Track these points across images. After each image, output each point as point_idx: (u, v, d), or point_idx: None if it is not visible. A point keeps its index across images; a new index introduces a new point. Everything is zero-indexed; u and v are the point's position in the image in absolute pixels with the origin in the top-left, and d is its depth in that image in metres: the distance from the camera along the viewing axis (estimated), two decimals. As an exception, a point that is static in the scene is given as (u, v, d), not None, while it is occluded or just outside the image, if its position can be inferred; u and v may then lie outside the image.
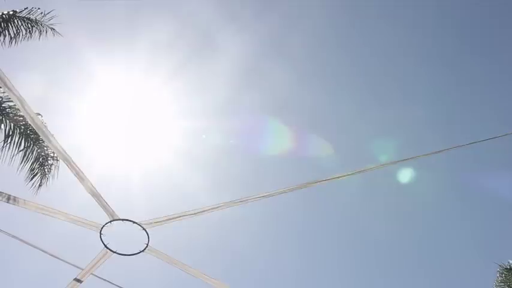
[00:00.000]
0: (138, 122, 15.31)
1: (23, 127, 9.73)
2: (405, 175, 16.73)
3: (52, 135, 5.66)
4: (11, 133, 9.68)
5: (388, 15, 18.32)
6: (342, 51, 18.71)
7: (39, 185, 10.18)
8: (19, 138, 9.77)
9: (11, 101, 9.25)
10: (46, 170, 10.20)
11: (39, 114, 9.73)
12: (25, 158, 9.86)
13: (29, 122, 7.69)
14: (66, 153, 5.31)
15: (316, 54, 17.91)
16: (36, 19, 10.69)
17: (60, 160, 9.97)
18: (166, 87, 15.93)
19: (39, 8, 10.65)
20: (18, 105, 5.18)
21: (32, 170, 10.02)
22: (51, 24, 10.84)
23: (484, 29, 18.69)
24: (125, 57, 15.61)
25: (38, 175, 10.13)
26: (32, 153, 9.89)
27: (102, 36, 15.39)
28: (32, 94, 9.78)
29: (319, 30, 17.53)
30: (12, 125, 9.70)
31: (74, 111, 14.04)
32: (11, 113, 9.62)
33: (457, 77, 19.41)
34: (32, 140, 9.84)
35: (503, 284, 12.31)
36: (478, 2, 18.30)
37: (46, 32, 10.81)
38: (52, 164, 10.24)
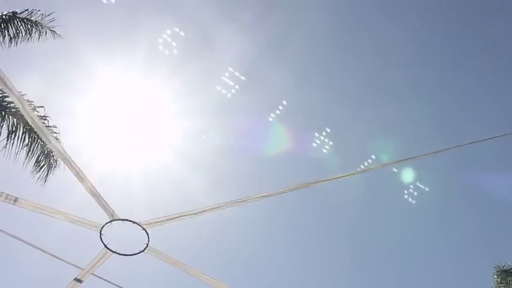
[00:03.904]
0: (138, 122, 15.31)
1: (26, 122, 9.72)
2: (405, 175, 16.73)
3: (52, 135, 5.66)
4: (14, 129, 9.70)
5: (387, 15, 18.33)
6: (341, 51, 18.73)
7: (46, 176, 10.22)
8: (23, 133, 9.79)
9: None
10: (52, 161, 10.24)
11: (47, 117, 9.77)
12: (30, 153, 9.90)
13: (31, 123, 7.71)
14: (66, 153, 5.31)
15: (315, 54, 17.92)
16: (36, 21, 10.71)
17: (60, 160, 10.02)
18: (166, 88, 15.94)
19: (39, 10, 10.69)
20: (19, 106, 5.18)
21: (38, 162, 10.06)
22: (52, 27, 10.87)
23: (484, 28, 18.70)
24: (124, 57, 15.62)
25: (44, 167, 10.17)
26: (37, 147, 9.92)
27: (101, 36, 15.40)
28: (32, 94, 9.81)
29: (319, 30, 17.55)
30: (15, 120, 9.72)
31: (74, 111, 14.05)
32: (14, 108, 9.61)
33: (457, 77, 19.43)
34: (35, 134, 9.86)
35: (502, 285, 12.32)
36: (478, 1, 18.33)
37: (46, 33, 10.83)
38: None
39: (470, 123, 18.92)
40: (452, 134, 18.30)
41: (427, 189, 16.77)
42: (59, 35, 10.99)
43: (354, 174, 5.60)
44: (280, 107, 17.02)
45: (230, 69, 15.99)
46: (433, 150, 5.70)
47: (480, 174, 18.07)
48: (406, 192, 17.94)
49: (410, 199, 17.29)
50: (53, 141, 6.75)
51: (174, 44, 15.19)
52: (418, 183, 16.92)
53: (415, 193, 17.47)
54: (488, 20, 18.61)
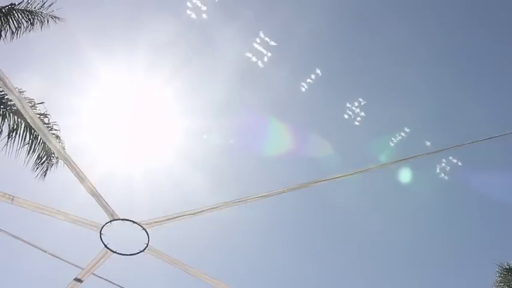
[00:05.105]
0: (139, 122, 15.32)
1: (27, 120, 9.69)
2: (403, 175, 16.72)
3: (52, 135, 5.66)
4: (15, 127, 9.68)
5: (388, 14, 18.32)
6: (342, 50, 18.71)
7: (46, 171, 10.22)
8: (24, 131, 9.77)
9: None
10: (53, 158, 10.24)
11: (47, 115, 9.73)
12: (31, 151, 9.88)
13: (31, 124, 7.69)
14: (65, 152, 5.30)
15: (316, 53, 17.91)
16: (35, 9, 10.57)
17: (60, 160, 10.03)
18: (168, 87, 15.94)
19: None
20: (18, 106, 5.17)
21: (39, 158, 10.05)
22: (51, 12, 10.69)
23: (486, 29, 18.68)
24: (126, 57, 15.62)
25: (44, 163, 10.16)
26: (39, 144, 9.91)
27: (103, 36, 15.40)
28: (34, 92, 9.80)
29: (319, 29, 17.55)
30: (16, 118, 9.69)
31: (75, 111, 14.05)
32: (15, 106, 9.57)
33: (458, 77, 19.41)
34: (37, 132, 9.83)
35: (502, 284, 12.32)
36: (480, 2, 18.30)
37: (47, 21, 10.67)
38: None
39: (469, 123, 18.92)
40: (452, 134, 18.30)
41: (425, 189, 16.70)
42: (61, 19, 10.79)
43: (353, 174, 5.59)
44: (281, 107, 17.00)
45: (231, 68, 15.99)
46: (432, 150, 5.70)
47: (480, 174, 18.06)
48: (405, 191, 17.90)
49: (409, 199, 17.20)
50: (53, 141, 6.74)
51: (175, 42, 15.17)
52: (417, 183, 16.86)
53: (414, 193, 17.41)
54: (499, 19, 18.59)
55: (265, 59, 15.08)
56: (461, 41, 18.92)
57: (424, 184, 17.75)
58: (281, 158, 17.36)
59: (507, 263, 12.63)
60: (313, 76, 15.97)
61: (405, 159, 5.94)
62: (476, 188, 18.59)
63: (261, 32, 15.08)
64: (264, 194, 5.56)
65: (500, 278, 12.45)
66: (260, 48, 14.89)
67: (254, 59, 14.84)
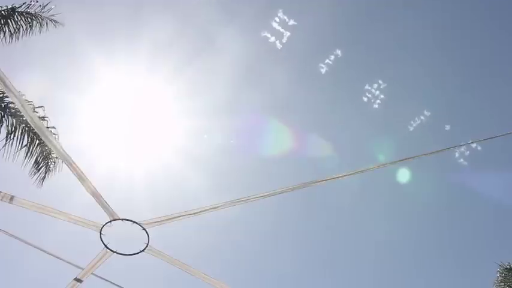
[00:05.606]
0: (140, 122, 15.32)
1: (25, 123, 9.70)
2: (404, 175, 16.71)
3: (52, 136, 5.66)
4: (13, 129, 9.67)
5: (387, 14, 18.29)
6: (342, 50, 18.66)
7: (43, 178, 10.21)
8: (21, 134, 9.75)
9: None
10: (50, 163, 10.22)
11: (46, 118, 9.73)
12: (29, 153, 9.87)
13: (30, 123, 7.68)
14: (66, 153, 5.30)
15: (316, 53, 17.88)
16: (35, 12, 10.57)
17: (60, 162, 10.03)
18: (168, 87, 15.93)
19: (37, 1, 10.53)
20: (19, 106, 5.17)
21: (36, 162, 10.03)
22: (51, 16, 10.70)
23: (487, 30, 18.63)
24: (126, 57, 15.62)
25: (42, 169, 10.15)
26: (36, 148, 9.89)
27: (103, 36, 15.39)
28: (34, 94, 9.80)
29: (320, 29, 17.50)
30: (14, 120, 9.68)
31: (76, 111, 14.05)
32: (13, 108, 9.57)
33: (458, 77, 19.39)
34: (34, 135, 9.83)
35: (503, 283, 12.32)
36: (483, 3, 18.27)
37: (47, 24, 10.68)
38: (56, 157, 10.23)
39: (469, 123, 18.91)
40: (452, 134, 18.26)
41: (425, 189, 16.61)
42: (60, 23, 10.81)
43: (353, 174, 5.59)
44: (281, 107, 16.97)
45: (231, 68, 15.98)
46: (432, 150, 5.70)
47: (480, 174, 18.05)
48: (405, 191, 17.88)
49: (409, 199, 17.11)
50: (53, 141, 6.73)
51: (175, 42, 15.15)
52: (417, 183, 16.82)
53: (414, 193, 17.38)
54: (492, 20, 18.55)
55: (284, 39, 14.80)
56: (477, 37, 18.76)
57: (425, 184, 17.73)
58: (281, 158, 17.37)
59: (508, 262, 12.62)
60: (332, 57, 15.73)
61: (405, 159, 5.94)
62: (477, 188, 18.58)
63: (280, 11, 14.79)
64: (264, 194, 5.56)
65: (501, 278, 12.44)
66: (279, 27, 14.67)
67: (272, 39, 14.63)
